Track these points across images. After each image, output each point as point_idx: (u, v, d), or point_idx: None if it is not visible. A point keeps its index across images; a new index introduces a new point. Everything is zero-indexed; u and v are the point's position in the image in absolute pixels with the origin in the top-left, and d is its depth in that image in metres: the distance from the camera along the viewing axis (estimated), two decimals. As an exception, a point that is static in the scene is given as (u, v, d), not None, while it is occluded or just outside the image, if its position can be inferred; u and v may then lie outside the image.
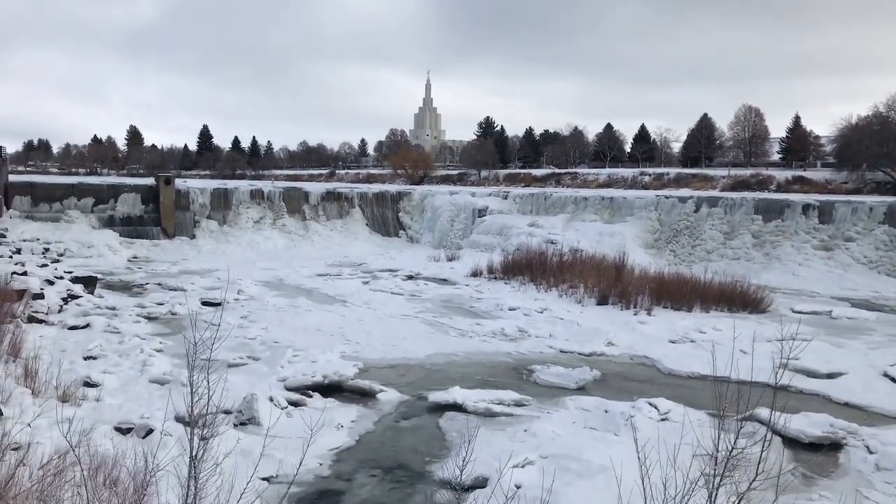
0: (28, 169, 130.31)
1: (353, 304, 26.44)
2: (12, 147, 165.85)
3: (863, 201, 38.60)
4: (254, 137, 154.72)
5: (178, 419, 12.92)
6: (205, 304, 25.57)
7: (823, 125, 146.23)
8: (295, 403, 14.25)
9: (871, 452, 12.17)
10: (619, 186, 64.14)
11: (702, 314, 25.37)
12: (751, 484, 5.18)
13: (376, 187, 62.34)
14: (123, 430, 12.01)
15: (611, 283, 27.70)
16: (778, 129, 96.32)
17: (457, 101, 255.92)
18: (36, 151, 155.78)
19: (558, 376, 17.14)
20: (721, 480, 5.17)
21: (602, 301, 26.86)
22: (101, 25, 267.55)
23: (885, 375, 17.41)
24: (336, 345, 19.54)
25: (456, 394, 14.81)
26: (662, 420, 13.79)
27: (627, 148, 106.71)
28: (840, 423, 13.23)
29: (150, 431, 11.92)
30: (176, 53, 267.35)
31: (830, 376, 17.38)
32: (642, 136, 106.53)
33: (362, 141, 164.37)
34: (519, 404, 14.85)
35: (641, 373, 18.13)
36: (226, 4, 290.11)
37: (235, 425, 12.77)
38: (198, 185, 50.08)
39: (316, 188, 55.05)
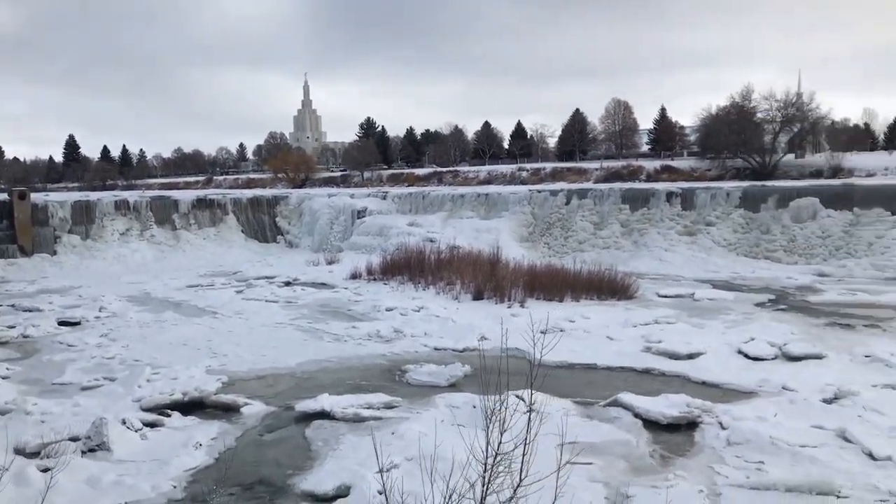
0: None
1: (223, 315, 25.54)
2: None
3: (721, 187, 40.69)
4: (124, 146, 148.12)
5: (18, 451, 12.07)
6: (62, 324, 24.15)
7: (688, 116, 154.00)
8: (151, 424, 13.54)
9: (723, 428, 12.66)
10: (498, 182, 65.14)
11: (573, 303, 25.98)
12: (515, 490, 5.05)
13: (251, 192, 60.70)
14: (-47, 469, 11.01)
15: (486, 278, 27.97)
16: (646, 121, 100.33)
17: (338, 102, 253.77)
18: None
19: (430, 375, 17.07)
20: (487, 489, 5.03)
21: (477, 296, 27.07)
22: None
23: (739, 352, 18.29)
24: (202, 359, 18.77)
25: (324, 401, 14.48)
26: (528, 412, 13.89)
27: (506, 145, 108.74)
28: (696, 403, 13.73)
29: (-16, 468, 10.97)
30: (42, 63, 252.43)
31: (691, 357, 18.07)
32: (519, 132, 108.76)
33: (241, 146, 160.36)
34: (389, 406, 14.67)
35: (513, 365, 18.20)
36: (97, 11, 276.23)
37: (83, 452, 11.96)
38: (57, 199, 47.20)
39: (186, 196, 53.00)
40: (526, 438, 5.08)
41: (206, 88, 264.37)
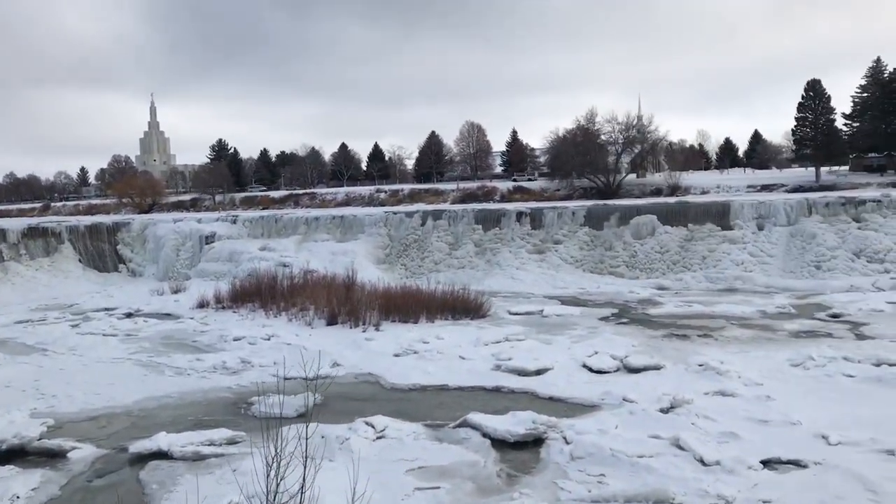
0: None
1: (54, 352, 23.72)
2: None
3: (566, 206, 42.33)
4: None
5: None
6: None
7: (538, 138, 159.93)
8: (-39, 478, 12.23)
9: (567, 443, 12.92)
10: (357, 204, 64.85)
11: (428, 324, 26.04)
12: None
13: (90, 219, 57.18)
14: None
15: (340, 302, 27.56)
16: (499, 143, 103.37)
17: (188, 124, 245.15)
18: None
19: (278, 406, 16.44)
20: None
21: (332, 321, 26.60)
22: None
23: (584, 366, 18.88)
24: (26, 401, 17.29)
25: (161, 440, 13.64)
26: (379, 438, 13.71)
27: (364, 166, 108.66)
28: (542, 419, 13.96)
29: None
30: None
31: (539, 373, 18.46)
32: (377, 154, 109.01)
33: (82, 170, 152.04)
34: (232, 442, 14.04)
35: (365, 391, 18.04)
36: None
37: None
38: None
39: (15, 224, 49.24)
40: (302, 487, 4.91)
41: (45, 110, 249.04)
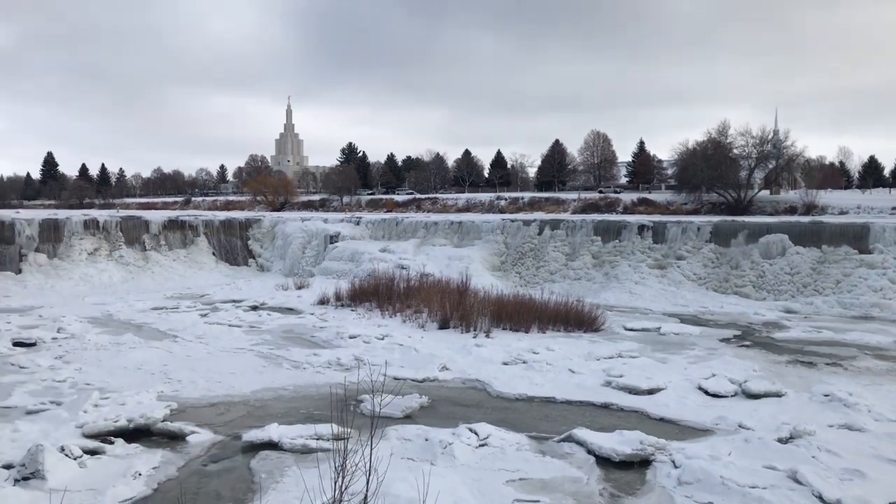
0: None
1: (183, 339, 25.12)
2: None
3: (691, 221, 40.92)
4: (103, 164, 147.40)
5: (-59, 478, 11.65)
6: (17, 344, 23.64)
7: (666, 150, 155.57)
8: (92, 452, 13.12)
9: (675, 467, 12.48)
10: (477, 210, 65.25)
11: (539, 335, 25.85)
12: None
13: (224, 214, 60.21)
14: None
15: (453, 307, 27.78)
16: (625, 154, 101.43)
17: (321, 127, 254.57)
18: None
19: (386, 405, 16.74)
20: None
21: (443, 325, 26.86)
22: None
23: (699, 389, 18.15)
24: (155, 384, 18.35)
25: (272, 431, 14.15)
26: (481, 446, 13.68)
27: (486, 173, 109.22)
28: (650, 440, 13.53)
29: None
30: (27, 80, 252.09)
31: (650, 392, 17.91)
32: (499, 161, 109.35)
33: (221, 167, 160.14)
34: (339, 438, 14.32)
35: (471, 397, 18.07)
36: (84, 32, 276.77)
37: (16, 481, 11.54)
38: (26, 216, 46.55)
39: (157, 216, 52.47)
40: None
41: (190, 110, 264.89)
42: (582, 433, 14.13)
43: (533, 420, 15.90)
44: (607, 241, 41.28)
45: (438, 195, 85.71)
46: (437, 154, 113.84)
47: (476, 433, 14.13)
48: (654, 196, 64.41)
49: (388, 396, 17.57)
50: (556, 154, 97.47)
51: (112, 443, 13.71)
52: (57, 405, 16.24)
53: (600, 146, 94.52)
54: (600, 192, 74.52)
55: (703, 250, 38.26)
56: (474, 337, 25.04)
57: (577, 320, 27.11)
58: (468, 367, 20.70)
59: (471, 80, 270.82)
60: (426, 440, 13.82)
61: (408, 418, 15.94)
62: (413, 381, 19.34)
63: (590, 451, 13.41)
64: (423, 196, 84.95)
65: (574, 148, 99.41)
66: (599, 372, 19.98)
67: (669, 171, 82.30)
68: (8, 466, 12.00)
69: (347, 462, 12.88)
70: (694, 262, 37.98)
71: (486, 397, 18.04)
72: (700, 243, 38.72)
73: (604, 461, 13.02)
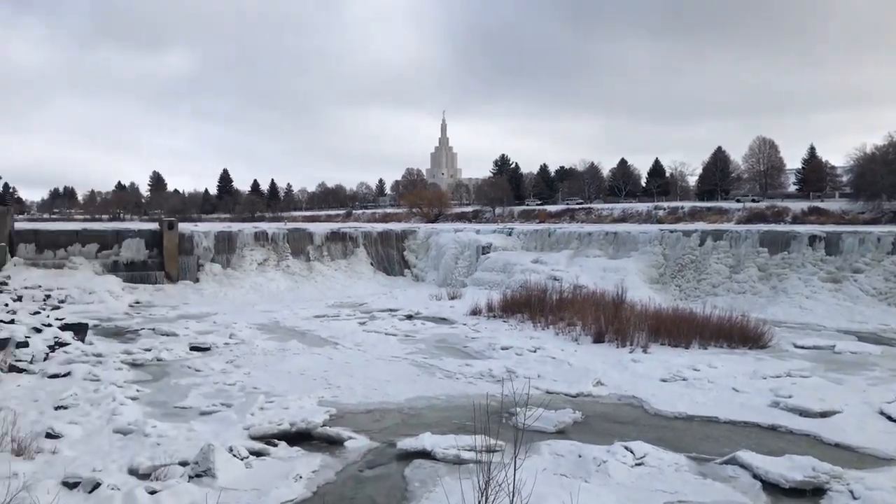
0: (53, 216, 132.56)
1: (343, 346, 26.05)
2: (39, 195, 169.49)
3: (870, 231, 37.81)
4: (272, 180, 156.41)
5: (131, 472, 12.58)
6: (193, 349, 25.32)
7: (838, 156, 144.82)
8: (257, 453, 13.79)
9: (854, 498, 11.51)
10: (633, 221, 63.74)
11: (699, 351, 24.73)
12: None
13: (382, 226, 62.20)
14: (70, 485, 11.61)
15: (608, 320, 27.12)
16: (793, 160, 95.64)
17: (474, 140, 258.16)
18: (61, 199, 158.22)
19: (538, 419, 16.50)
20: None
21: (598, 339, 26.28)
22: (133, 77, 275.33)
23: (882, 413, 16.66)
24: (316, 389, 19.09)
25: (426, 440, 14.32)
26: (637, 465, 13.20)
27: (643, 182, 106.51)
28: (824, 467, 12.54)
29: (97, 486, 11.50)
30: (207, 102, 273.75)
31: (824, 415, 16.66)
32: (657, 170, 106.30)
33: (380, 181, 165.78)
34: (491, 450, 14.23)
35: (627, 414, 17.51)
36: (255, 54, 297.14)
37: (190, 478, 12.30)
38: (203, 229, 50.19)
39: (320, 229, 54.99)
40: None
41: (352, 127, 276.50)
42: (747, 456, 13.31)
43: (693, 440, 15.18)
44: (775, 252, 38.94)
45: (593, 205, 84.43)
46: (592, 163, 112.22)
47: (632, 451, 13.64)
48: (826, 205, 60.28)
49: (540, 410, 17.38)
50: (718, 162, 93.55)
51: (276, 445, 14.35)
52: (227, 407, 17.23)
53: (766, 152, 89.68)
54: (738, 200, 71.14)
55: (884, 263, 35.21)
56: (630, 352, 24.30)
57: (741, 336, 25.70)
58: (624, 382, 20.10)
59: (626, 87, 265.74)
60: (579, 456, 13.51)
61: (560, 433, 15.66)
62: (566, 395, 19.02)
63: (756, 476, 12.61)
64: (576, 206, 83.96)
65: (737, 155, 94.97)
66: (766, 391, 18.82)
67: (844, 178, 76.82)
68: (184, 463, 12.79)
69: (496, 477, 12.82)
70: (873, 275, 35.04)
71: (643, 415, 17.42)
72: (880, 255, 35.66)
73: (771, 487, 12.20)
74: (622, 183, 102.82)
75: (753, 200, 69.81)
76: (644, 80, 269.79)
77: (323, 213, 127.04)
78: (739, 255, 40.04)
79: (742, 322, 26.63)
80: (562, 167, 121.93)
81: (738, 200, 72.15)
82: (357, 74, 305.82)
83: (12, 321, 24.49)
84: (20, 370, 20.49)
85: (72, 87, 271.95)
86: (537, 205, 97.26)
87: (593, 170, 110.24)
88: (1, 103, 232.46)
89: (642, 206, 72.58)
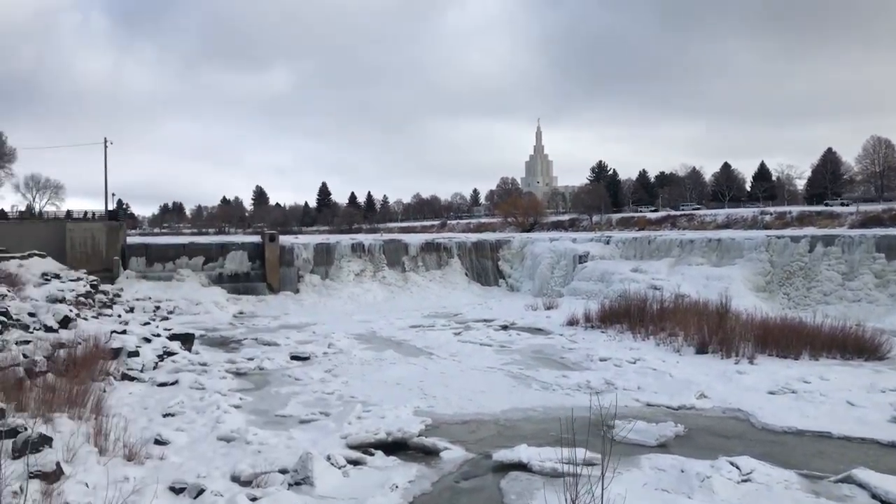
0: (163, 230, 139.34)
1: (438, 357, 26.10)
2: (150, 211, 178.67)
3: None
4: (369, 192, 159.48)
5: (234, 479, 12.87)
6: (294, 358, 25.91)
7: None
8: (355, 462, 13.89)
9: None
10: (738, 227, 61.60)
11: (810, 362, 23.50)
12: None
13: (476, 236, 62.26)
14: (177, 490, 11.97)
15: (712, 331, 26.15)
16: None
17: (570, 147, 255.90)
18: (170, 214, 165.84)
19: (638, 432, 16.04)
20: None
21: (701, 350, 25.36)
22: (238, 96, 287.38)
23: None
24: (411, 399, 19.14)
25: (522, 452, 14.08)
26: (744, 481, 12.58)
27: (747, 187, 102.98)
28: (952, 488, 11.63)
29: (202, 492, 11.82)
30: (305, 118, 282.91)
31: (951, 432, 15.48)
32: (762, 174, 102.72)
33: (474, 191, 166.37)
34: (589, 463, 13.88)
35: (732, 428, 16.77)
36: (353, 70, 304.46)
37: (290, 485, 12.49)
38: (303, 241, 51.54)
39: (416, 239, 55.56)
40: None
41: (447, 138, 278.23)
42: (864, 474, 12.48)
43: (804, 456, 14.36)
44: (893, 258, 36.71)
45: (695, 211, 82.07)
46: (693, 168, 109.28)
47: (738, 467, 13.02)
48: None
49: (639, 423, 16.87)
50: (828, 164, 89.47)
51: (372, 454, 14.41)
52: (325, 416, 17.48)
53: (882, 153, 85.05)
54: (826, 204, 67.61)
55: None
56: (736, 363, 23.34)
57: (856, 347, 24.27)
58: (729, 395, 19.29)
59: (728, 90, 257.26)
60: (682, 471, 13.00)
61: (661, 447, 15.12)
62: (667, 407, 18.40)
63: (874, 496, 11.80)
64: (677, 213, 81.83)
65: (850, 156, 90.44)
66: (885, 405, 17.67)
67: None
68: (283, 471, 13.00)
69: (593, 490, 12.46)
70: None
71: (749, 429, 16.64)
72: None
73: (893, 510, 11.39)
74: (725, 188, 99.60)
75: (844, 204, 66.49)
76: (746, 81, 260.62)
77: (418, 223, 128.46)
78: (853, 261, 37.96)
79: (857, 332, 25.17)
80: (661, 172, 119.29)
81: (842, 203, 68.75)
82: (452, 86, 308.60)
83: (124, 331, 25.70)
84: (132, 378, 21.44)
85: (181, 107, 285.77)
86: (637, 212, 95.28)
87: (695, 175, 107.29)
88: (117, 125, 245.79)
89: (747, 212, 69.99)
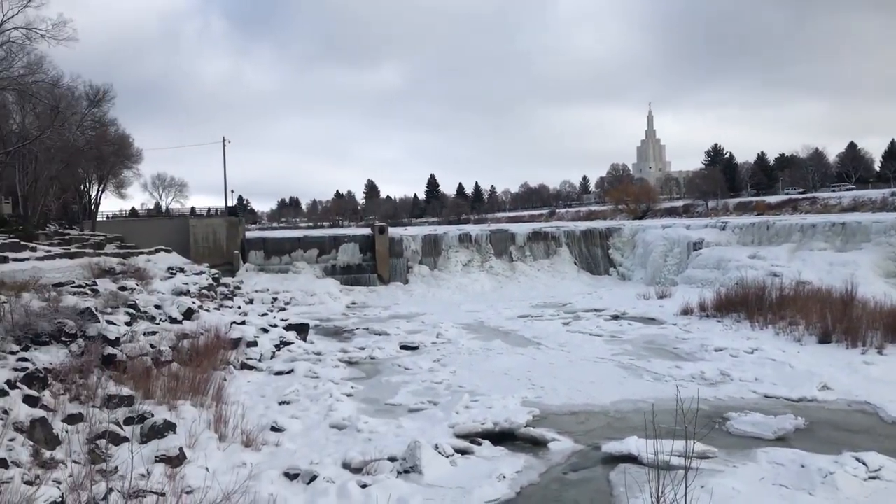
0: (280, 224, 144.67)
1: (546, 347, 25.92)
2: (268, 206, 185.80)
3: None
4: (476, 183, 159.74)
5: (345, 465, 13.23)
6: (403, 347, 26.35)
7: None
8: (462, 451, 14.01)
9: None
10: (865, 209, 58.05)
11: (948, 352, 21.93)
12: None
13: (585, 224, 61.32)
14: (291, 476, 12.41)
15: (836, 319, 24.80)
16: None
17: (683, 131, 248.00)
18: (287, 209, 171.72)
19: (755, 425, 15.46)
20: None
21: (824, 339, 24.09)
22: (351, 93, 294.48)
23: None
24: (519, 390, 19.10)
25: (632, 444, 13.81)
26: (871, 478, 11.89)
27: (876, 167, 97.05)
28: None
29: (314, 478, 12.21)
30: (414, 111, 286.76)
31: None
32: (893, 153, 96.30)
33: (584, 178, 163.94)
34: (702, 456, 13.50)
35: (858, 421, 15.88)
36: (461, 62, 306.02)
37: (398, 473, 12.73)
38: (411, 233, 52.32)
39: (523, 229, 55.35)
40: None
41: (555, 126, 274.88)
42: None
43: (940, 453, 13.43)
44: None
45: (818, 194, 77.97)
46: (816, 149, 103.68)
47: (864, 463, 12.32)
48: None
49: (757, 415, 16.23)
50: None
51: (480, 444, 14.50)
52: (433, 405, 17.71)
53: None
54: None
55: None
56: (863, 353, 22.04)
57: None
58: (854, 386, 18.27)
59: (852, 65, 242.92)
60: (802, 466, 12.41)
61: (780, 440, 14.50)
62: (787, 399, 17.63)
63: None
64: (799, 196, 78.00)
65: None
66: None
67: None
68: (392, 459, 13.26)
69: (707, 484, 12.10)
70: None
71: (878, 423, 15.71)
72: None
73: None
74: (851, 169, 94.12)
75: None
76: (872, 56, 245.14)
77: (526, 213, 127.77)
78: None
79: None
80: (781, 154, 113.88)
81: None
82: (560, 73, 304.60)
83: (244, 322, 26.84)
84: (250, 367, 22.38)
85: (296, 105, 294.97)
86: (755, 196, 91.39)
87: (817, 156, 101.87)
88: (237, 125, 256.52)
89: (876, 193, 65.77)
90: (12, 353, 14.88)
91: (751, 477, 12.26)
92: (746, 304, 30.17)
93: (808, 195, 77.39)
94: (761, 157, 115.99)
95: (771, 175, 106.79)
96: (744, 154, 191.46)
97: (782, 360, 21.45)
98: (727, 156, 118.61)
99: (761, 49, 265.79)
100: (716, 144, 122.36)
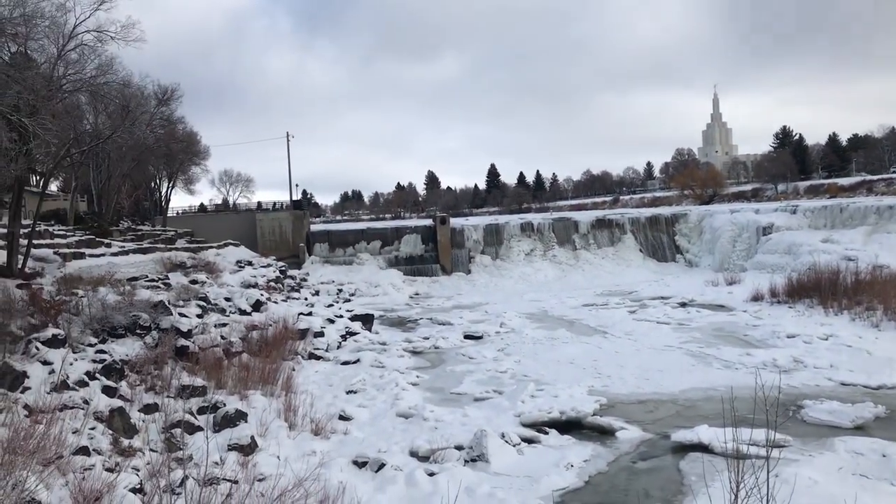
0: (344, 217, 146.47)
1: (612, 335, 25.60)
2: (332, 199, 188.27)
3: None
4: (537, 171, 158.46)
5: (412, 454, 13.33)
6: (467, 337, 26.39)
7: None
8: (528, 440, 13.98)
9: None
10: (945, 189, 55.65)
11: None
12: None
13: (650, 211, 60.29)
14: (359, 464, 12.57)
15: (918, 304, 23.87)
16: None
17: (750, 114, 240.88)
18: (350, 201, 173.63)
19: (831, 413, 14.98)
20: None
21: (904, 325, 23.21)
22: (411, 85, 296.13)
23: None
24: (585, 379, 18.94)
25: (702, 433, 13.56)
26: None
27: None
28: None
29: (382, 466, 12.34)
30: (473, 102, 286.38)
31: None
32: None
33: (648, 164, 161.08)
34: (776, 445, 13.11)
35: (944, 410, 15.24)
36: (519, 51, 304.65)
37: (465, 461, 12.76)
38: (472, 223, 52.30)
39: (586, 217, 54.73)
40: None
41: (617, 112, 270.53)
42: None
43: None
44: None
45: (894, 175, 74.98)
46: (892, 128, 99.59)
47: (952, 453, 11.84)
48: None
49: (833, 403, 15.73)
50: None
51: (546, 433, 14.42)
52: (498, 394, 17.68)
53: None
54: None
55: None
56: (945, 338, 21.19)
57: None
58: (938, 373, 17.54)
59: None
60: (883, 456, 12.02)
61: (858, 429, 14.03)
62: (864, 387, 17.04)
63: None
64: (874, 178, 75.12)
65: None
66: None
67: None
68: (459, 447, 13.31)
69: (785, 471, 11.79)
70: None
71: (965, 411, 15.06)
72: None
73: None
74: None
75: None
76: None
77: (589, 200, 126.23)
78: None
79: None
80: (855, 135, 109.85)
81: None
82: (620, 59, 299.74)
83: (310, 313, 27.27)
84: (318, 357, 22.73)
85: (358, 99, 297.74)
86: (827, 178, 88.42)
87: (894, 135, 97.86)
88: (301, 120, 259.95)
89: (958, 173, 63.01)
90: (91, 345, 15.45)
91: (829, 467, 11.90)
92: (819, 290, 29.24)
93: (885, 176, 74.50)
94: (833, 138, 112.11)
95: (844, 156, 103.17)
96: (815, 136, 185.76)
97: (859, 347, 20.77)
98: (796, 137, 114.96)
99: (829, 24, 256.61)
100: (785, 126, 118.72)
